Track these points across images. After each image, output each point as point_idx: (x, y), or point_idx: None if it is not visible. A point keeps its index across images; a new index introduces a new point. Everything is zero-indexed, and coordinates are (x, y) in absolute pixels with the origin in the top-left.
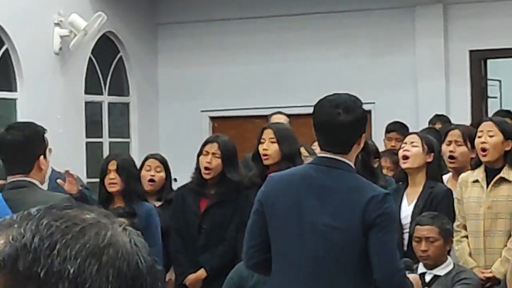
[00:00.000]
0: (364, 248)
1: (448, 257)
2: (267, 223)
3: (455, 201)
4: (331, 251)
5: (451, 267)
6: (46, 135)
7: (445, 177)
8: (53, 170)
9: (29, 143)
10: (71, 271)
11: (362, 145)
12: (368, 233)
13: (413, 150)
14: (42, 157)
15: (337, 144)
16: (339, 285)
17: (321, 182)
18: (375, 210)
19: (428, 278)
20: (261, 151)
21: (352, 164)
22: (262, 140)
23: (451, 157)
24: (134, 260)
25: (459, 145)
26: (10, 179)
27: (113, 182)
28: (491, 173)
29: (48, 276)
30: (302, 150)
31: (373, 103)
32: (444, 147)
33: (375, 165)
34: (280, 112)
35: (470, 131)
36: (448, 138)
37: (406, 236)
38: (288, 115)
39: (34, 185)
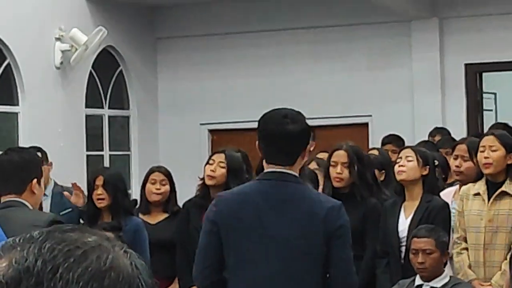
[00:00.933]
0: (325, 257)
1: (445, 269)
2: (222, 242)
3: (456, 213)
4: (293, 262)
5: (447, 279)
6: (46, 148)
7: (452, 189)
8: (55, 183)
9: (24, 166)
10: None
11: (305, 158)
12: (328, 244)
13: (408, 165)
14: (35, 181)
15: (284, 155)
16: None
17: (277, 197)
18: (335, 221)
19: None
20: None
21: (298, 176)
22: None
23: (456, 171)
24: (135, 283)
25: (466, 160)
26: (3, 199)
27: (101, 197)
28: (493, 186)
29: None
30: (313, 163)
31: (370, 116)
32: (451, 161)
33: (381, 178)
34: None
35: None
36: (455, 153)
37: (403, 249)
38: None
39: (24, 206)
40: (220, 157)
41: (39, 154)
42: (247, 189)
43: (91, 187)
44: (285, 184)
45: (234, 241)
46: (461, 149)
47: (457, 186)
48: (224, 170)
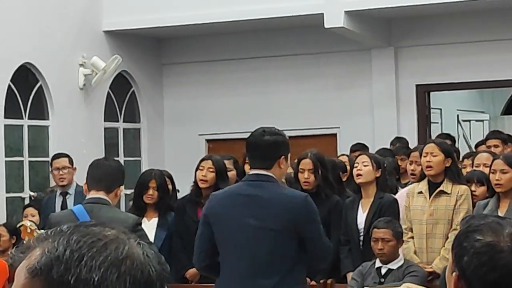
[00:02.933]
0: (296, 236)
1: (400, 254)
2: (213, 231)
3: (404, 208)
4: (265, 246)
5: (402, 262)
6: (71, 155)
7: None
8: (77, 184)
9: (117, 171)
10: (96, 278)
11: (282, 167)
12: (302, 227)
13: (364, 169)
14: (120, 188)
15: (262, 160)
16: (274, 273)
17: (256, 193)
18: (307, 210)
19: (383, 271)
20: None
21: (275, 177)
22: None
23: (412, 174)
24: (147, 269)
25: (419, 165)
26: (92, 194)
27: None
28: (433, 186)
29: (77, 282)
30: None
31: (338, 127)
32: (408, 165)
33: (344, 179)
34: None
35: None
36: (410, 158)
37: (362, 238)
38: None
39: (110, 204)
40: (208, 163)
41: (66, 159)
42: (234, 188)
43: (143, 187)
44: (261, 184)
45: (222, 230)
46: (415, 155)
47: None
48: (213, 174)
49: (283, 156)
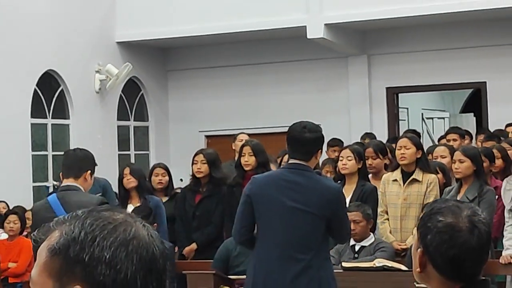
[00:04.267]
0: (326, 220)
1: (371, 233)
2: (253, 210)
3: (380, 194)
4: (303, 226)
5: (373, 240)
6: (89, 150)
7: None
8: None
9: (84, 158)
10: (107, 256)
11: (319, 158)
12: (335, 214)
13: (348, 163)
14: (89, 172)
15: (302, 154)
16: (307, 249)
17: (294, 179)
18: (341, 200)
19: (357, 248)
20: (243, 162)
21: (312, 168)
22: (242, 154)
23: (369, 166)
24: (151, 248)
25: (374, 159)
26: (65, 182)
27: (130, 181)
28: (406, 174)
29: (90, 260)
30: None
31: (319, 124)
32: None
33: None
34: (243, 133)
35: (381, 146)
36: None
37: None
38: (261, 134)
39: (80, 189)
40: (200, 157)
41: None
42: (274, 173)
43: (121, 176)
44: (299, 172)
45: (261, 210)
46: (369, 151)
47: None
48: (206, 165)
49: (319, 150)
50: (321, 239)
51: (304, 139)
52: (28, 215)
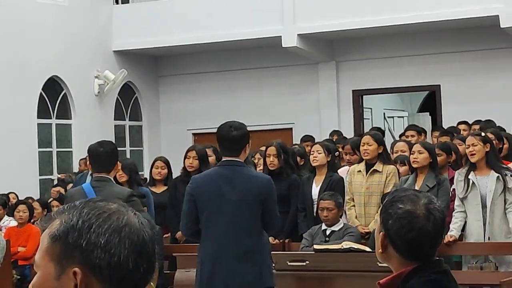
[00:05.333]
0: (261, 210)
1: (340, 219)
2: (197, 206)
3: (347, 183)
4: (241, 215)
5: (342, 225)
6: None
7: (345, 168)
8: None
9: (111, 154)
10: (102, 242)
11: (247, 152)
12: (266, 201)
13: (319, 156)
14: (118, 162)
15: (232, 150)
16: (248, 235)
17: (228, 174)
18: (270, 189)
19: (328, 232)
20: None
21: (243, 161)
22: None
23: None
24: (141, 234)
25: (352, 155)
26: (96, 175)
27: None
28: (369, 166)
29: (87, 245)
30: (257, 154)
31: (293, 123)
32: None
33: (302, 163)
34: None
35: (357, 143)
36: (345, 151)
37: (315, 207)
38: None
39: (111, 180)
40: (192, 153)
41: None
42: (211, 171)
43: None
44: (233, 167)
45: (203, 205)
46: (347, 147)
47: (348, 167)
48: (197, 161)
49: (247, 145)
50: (260, 226)
51: (232, 137)
52: (36, 205)
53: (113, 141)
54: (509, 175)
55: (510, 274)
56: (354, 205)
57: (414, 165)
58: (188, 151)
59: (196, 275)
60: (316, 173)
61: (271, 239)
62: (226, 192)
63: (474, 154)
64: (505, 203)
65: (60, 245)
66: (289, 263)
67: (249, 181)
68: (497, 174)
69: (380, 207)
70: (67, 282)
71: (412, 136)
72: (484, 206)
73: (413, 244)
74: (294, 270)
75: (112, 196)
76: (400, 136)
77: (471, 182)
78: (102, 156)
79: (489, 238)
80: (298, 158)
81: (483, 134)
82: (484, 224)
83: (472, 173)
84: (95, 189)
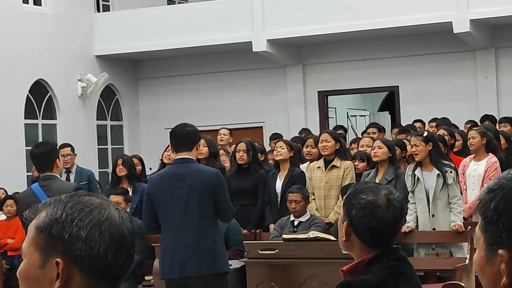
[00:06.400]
0: (210, 202)
1: (307, 210)
2: (153, 204)
3: (308, 179)
4: (192, 207)
5: (309, 216)
6: (74, 145)
7: (304, 165)
8: (77, 166)
9: (51, 152)
10: (83, 235)
11: (199, 149)
12: (215, 193)
13: (282, 151)
14: (57, 160)
15: (185, 144)
16: (200, 225)
17: (179, 172)
18: (218, 181)
19: (296, 223)
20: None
21: (194, 158)
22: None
23: (308, 153)
24: (121, 228)
25: (313, 148)
26: (42, 175)
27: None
28: (327, 162)
29: (70, 238)
30: (221, 151)
31: (264, 122)
32: (304, 149)
33: (262, 159)
34: (223, 128)
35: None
36: (306, 143)
37: (279, 199)
38: (216, 130)
39: (56, 177)
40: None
41: (69, 148)
42: (165, 170)
43: (114, 165)
44: (184, 164)
45: (159, 202)
46: (310, 141)
47: (308, 163)
48: (174, 154)
49: (199, 142)
50: (212, 216)
51: (186, 131)
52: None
53: (54, 142)
54: (449, 171)
55: (463, 260)
56: (314, 199)
57: (374, 159)
58: (168, 146)
59: (159, 264)
60: (280, 168)
61: (244, 231)
62: (177, 188)
63: (417, 154)
64: (449, 197)
65: (45, 236)
66: (260, 252)
67: (197, 175)
68: (437, 172)
69: (340, 199)
70: (50, 271)
71: (373, 133)
72: (428, 200)
73: (375, 231)
74: (264, 258)
75: (60, 192)
76: (362, 133)
77: (416, 177)
78: (38, 157)
79: (434, 229)
80: (259, 154)
81: (425, 134)
82: (429, 216)
83: (418, 168)
84: (43, 188)
